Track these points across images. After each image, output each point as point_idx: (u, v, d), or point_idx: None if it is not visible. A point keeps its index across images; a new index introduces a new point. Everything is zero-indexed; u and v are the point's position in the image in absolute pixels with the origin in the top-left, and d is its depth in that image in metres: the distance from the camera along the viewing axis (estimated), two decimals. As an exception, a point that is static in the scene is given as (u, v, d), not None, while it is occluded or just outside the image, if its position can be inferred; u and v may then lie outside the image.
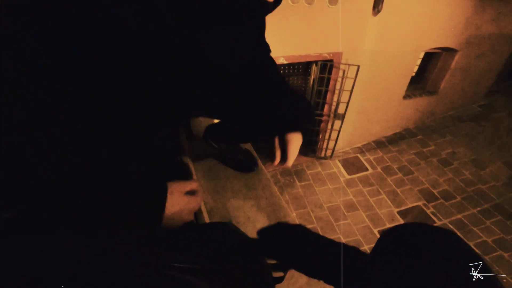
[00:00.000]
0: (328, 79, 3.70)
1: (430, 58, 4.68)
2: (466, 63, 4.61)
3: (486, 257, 3.33)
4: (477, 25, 4.11)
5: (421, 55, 4.43)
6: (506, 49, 4.87)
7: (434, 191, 4.08)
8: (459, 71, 4.68)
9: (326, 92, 3.87)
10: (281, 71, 3.69)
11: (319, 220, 3.80)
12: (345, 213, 3.88)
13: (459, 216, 3.76)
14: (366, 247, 3.48)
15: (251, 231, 1.74)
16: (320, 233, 3.69)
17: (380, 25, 3.34)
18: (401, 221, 3.72)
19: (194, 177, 1.80)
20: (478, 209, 3.84)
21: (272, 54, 3.12)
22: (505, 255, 3.33)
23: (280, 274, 0.84)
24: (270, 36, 2.97)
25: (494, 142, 4.88)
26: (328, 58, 3.34)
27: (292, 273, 1.57)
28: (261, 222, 1.83)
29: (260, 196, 1.94)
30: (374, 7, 3.17)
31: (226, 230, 0.82)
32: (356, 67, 3.45)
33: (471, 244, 3.54)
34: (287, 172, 4.46)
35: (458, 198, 3.96)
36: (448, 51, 4.41)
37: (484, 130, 5.15)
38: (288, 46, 3.13)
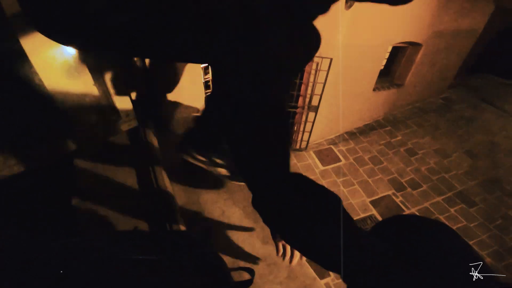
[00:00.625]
0: (302, 72, 3.69)
1: (397, 52, 4.84)
2: (430, 57, 4.82)
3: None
4: (440, 22, 4.29)
5: (389, 49, 4.56)
6: (466, 44, 5.15)
7: (402, 180, 4.27)
8: (423, 65, 4.89)
9: (300, 84, 3.87)
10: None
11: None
12: (320, 204, 3.95)
13: (425, 204, 3.95)
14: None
15: (226, 226, 1.68)
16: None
17: (352, 19, 3.37)
18: (373, 211, 3.86)
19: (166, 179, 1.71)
20: (443, 197, 4.06)
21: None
22: (470, 242, 3.56)
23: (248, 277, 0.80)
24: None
25: (456, 132, 5.19)
26: (302, 51, 3.32)
27: (271, 269, 1.55)
28: (236, 216, 1.76)
29: (235, 190, 1.88)
30: (347, 1, 3.19)
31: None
32: (329, 60, 3.47)
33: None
34: None
35: (424, 187, 4.17)
36: (414, 46, 4.58)
37: (447, 121, 5.45)
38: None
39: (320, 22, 3.22)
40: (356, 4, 3.20)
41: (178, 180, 1.85)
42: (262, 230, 1.69)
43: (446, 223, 3.69)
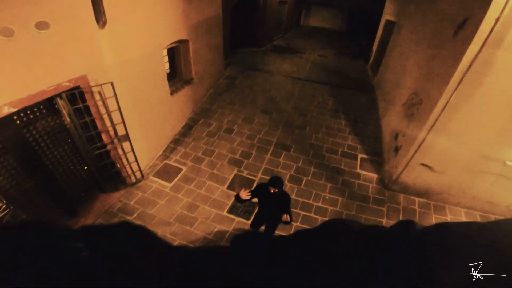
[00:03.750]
0: (87, 107, 2.90)
1: (173, 53, 4.79)
2: (199, 48, 5.11)
3: (300, 186, 4.12)
4: (191, 16, 4.52)
5: (165, 52, 4.42)
6: (217, 28, 5.79)
7: (236, 156, 4.54)
8: (198, 56, 5.15)
9: (93, 121, 3.07)
10: (16, 122, 2.49)
11: (176, 235, 3.36)
12: (192, 215, 3.60)
13: (264, 165, 4.40)
14: (230, 231, 3.45)
15: None
16: (185, 244, 3.23)
17: (113, 36, 2.86)
18: (235, 193, 3.89)
19: None
20: (270, 153, 4.65)
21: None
22: (305, 178, 4.25)
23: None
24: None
25: (247, 100, 6.02)
26: (72, 86, 2.53)
27: None
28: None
29: None
30: (97, 20, 2.62)
31: None
32: (110, 84, 2.88)
33: (286, 178, 4.19)
34: (109, 214, 3.51)
35: (254, 152, 4.62)
36: (183, 42, 4.67)
37: (237, 94, 6.20)
38: (11, 89, 2.08)
39: (78, 48, 2.50)
40: (109, 20, 2.72)
41: None
42: None
43: (284, 171, 4.24)
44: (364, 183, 4.25)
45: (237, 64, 7.31)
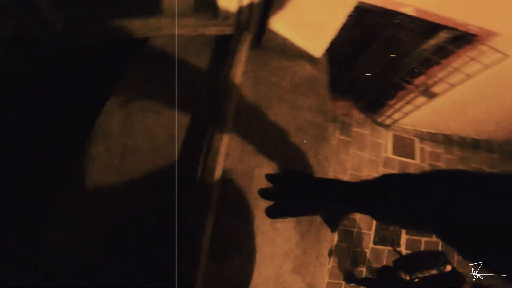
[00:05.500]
0: (447, 51, 2.56)
1: None
2: None
3: None
4: None
5: None
6: None
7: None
8: None
9: (432, 63, 2.78)
10: (393, 21, 2.55)
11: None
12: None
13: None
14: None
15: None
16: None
17: None
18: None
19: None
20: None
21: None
22: None
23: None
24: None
25: None
26: (474, 32, 2.15)
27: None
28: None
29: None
30: None
31: None
32: (500, 56, 2.28)
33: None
34: (332, 118, 3.88)
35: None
36: None
37: None
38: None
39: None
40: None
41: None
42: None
43: None
44: None
45: None
